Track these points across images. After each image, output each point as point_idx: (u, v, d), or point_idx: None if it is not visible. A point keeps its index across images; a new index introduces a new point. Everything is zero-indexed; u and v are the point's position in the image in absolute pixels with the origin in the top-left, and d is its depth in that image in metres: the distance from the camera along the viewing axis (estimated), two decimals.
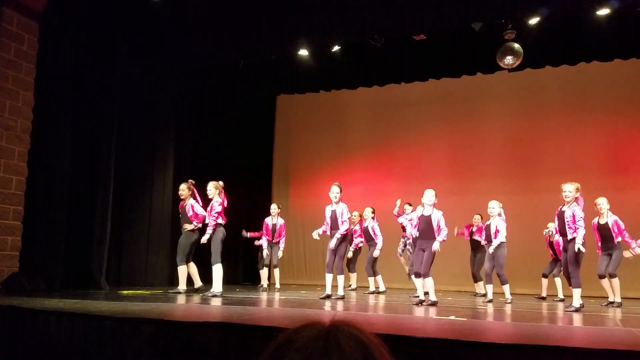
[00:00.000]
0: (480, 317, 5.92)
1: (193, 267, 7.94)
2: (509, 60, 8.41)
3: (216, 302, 6.67)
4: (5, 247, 7.73)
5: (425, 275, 6.68)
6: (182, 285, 7.83)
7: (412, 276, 7.28)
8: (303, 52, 8.86)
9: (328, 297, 7.28)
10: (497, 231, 7.68)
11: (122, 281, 8.97)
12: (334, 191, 7.40)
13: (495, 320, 5.63)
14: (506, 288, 7.71)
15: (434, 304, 6.62)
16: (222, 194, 7.85)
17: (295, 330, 0.83)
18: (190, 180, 8.26)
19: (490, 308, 6.87)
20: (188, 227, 7.91)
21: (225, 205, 7.82)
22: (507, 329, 4.68)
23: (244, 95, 11.54)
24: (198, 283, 7.99)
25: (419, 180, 10.89)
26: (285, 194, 12.48)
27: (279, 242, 9.33)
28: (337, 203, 7.42)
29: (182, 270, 7.87)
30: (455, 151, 11.19)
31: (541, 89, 10.57)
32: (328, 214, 7.49)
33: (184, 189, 8.12)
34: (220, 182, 7.95)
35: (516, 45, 8.31)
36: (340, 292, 7.42)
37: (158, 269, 9.57)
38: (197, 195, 8.17)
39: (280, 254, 9.35)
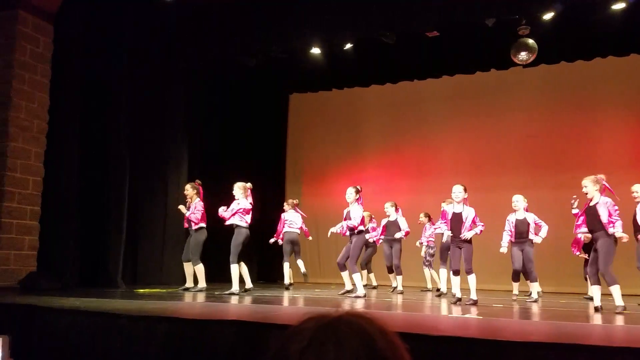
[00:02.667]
0: (502, 315, 5.87)
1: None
2: (523, 56, 8.33)
3: (230, 300, 6.70)
4: (23, 247, 7.83)
5: (469, 272, 6.60)
6: (202, 283, 7.95)
7: (451, 273, 7.06)
8: (315, 50, 8.85)
9: (348, 292, 7.29)
10: (538, 225, 7.51)
11: (138, 280, 9.04)
12: (347, 192, 7.47)
13: (525, 320, 5.58)
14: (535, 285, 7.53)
15: (475, 302, 6.46)
16: (249, 195, 7.89)
17: (301, 322, 0.85)
18: (197, 180, 8.30)
19: (524, 306, 6.76)
20: (184, 211, 8.06)
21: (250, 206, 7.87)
22: (541, 328, 4.64)
23: (256, 94, 11.55)
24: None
25: (432, 178, 10.85)
26: (298, 192, 12.48)
27: None
28: (351, 203, 7.44)
29: (197, 269, 7.93)
30: (469, 148, 11.11)
31: (556, 84, 10.45)
32: (344, 214, 7.56)
33: (188, 189, 8.19)
34: (249, 184, 7.98)
35: (530, 41, 8.23)
36: (361, 290, 7.35)
37: (174, 267, 9.62)
38: (201, 194, 8.23)
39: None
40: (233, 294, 7.36)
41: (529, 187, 9.66)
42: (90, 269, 8.23)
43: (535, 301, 7.23)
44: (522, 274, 7.72)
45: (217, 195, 8.69)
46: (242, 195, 7.79)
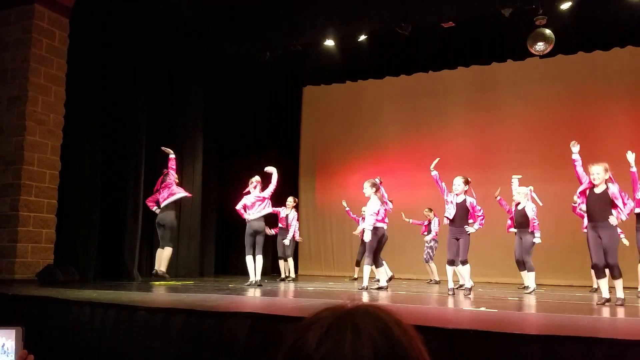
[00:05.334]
0: (511, 308, 5.84)
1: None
2: (540, 46, 8.23)
3: (245, 292, 6.73)
4: (40, 240, 7.92)
5: (465, 263, 6.71)
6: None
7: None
8: (329, 43, 8.82)
9: (365, 288, 7.31)
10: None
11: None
12: (363, 186, 7.49)
13: (529, 312, 5.54)
14: (532, 276, 7.54)
15: (470, 289, 6.65)
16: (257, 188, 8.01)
17: (316, 313, 0.86)
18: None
19: (525, 299, 6.75)
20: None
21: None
22: (540, 320, 4.61)
23: (270, 88, 11.55)
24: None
25: (448, 170, 10.75)
26: (312, 186, 12.48)
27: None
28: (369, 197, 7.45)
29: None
30: (485, 139, 11.01)
31: (573, 75, 10.31)
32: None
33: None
34: (257, 177, 8.14)
35: (547, 31, 8.12)
36: (383, 282, 7.45)
37: (189, 259, 9.70)
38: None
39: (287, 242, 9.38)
40: (251, 284, 7.66)
41: (548, 180, 9.58)
42: (107, 262, 8.30)
43: (530, 293, 7.23)
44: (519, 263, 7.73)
45: (231, 188, 8.73)
46: (252, 187, 8.02)
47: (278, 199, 9.32)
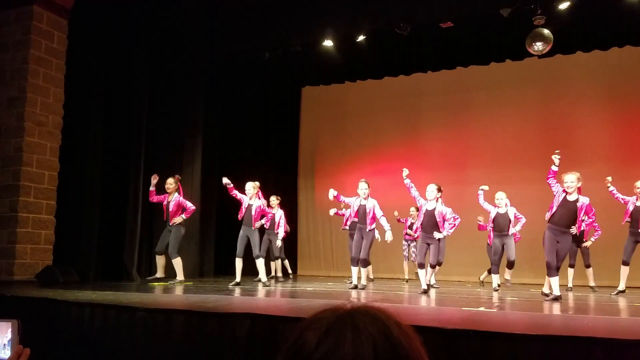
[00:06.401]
0: (510, 308, 5.85)
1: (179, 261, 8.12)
2: (538, 46, 8.23)
3: (245, 293, 6.74)
4: (39, 241, 7.92)
5: (434, 266, 7.31)
6: (180, 276, 8.05)
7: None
8: (328, 43, 8.82)
9: (355, 287, 7.33)
10: (518, 218, 7.59)
11: (153, 273, 9.09)
12: (362, 187, 7.41)
13: (524, 312, 5.55)
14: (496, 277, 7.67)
15: (426, 291, 6.82)
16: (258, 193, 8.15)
17: (316, 313, 0.87)
18: (177, 176, 8.30)
19: (525, 299, 6.77)
20: (177, 220, 8.08)
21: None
22: (536, 320, 4.61)
23: (269, 88, 11.56)
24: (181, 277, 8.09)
25: (447, 170, 10.79)
26: (311, 185, 12.49)
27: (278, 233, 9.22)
28: (366, 199, 7.41)
29: (175, 263, 8.07)
30: (484, 140, 11.02)
31: (572, 75, 10.32)
32: (355, 207, 7.49)
33: (171, 182, 8.18)
34: (257, 183, 8.19)
35: (546, 31, 8.12)
36: (364, 281, 7.53)
37: (188, 260, 9.68)
38: (181, 190, 8.31)
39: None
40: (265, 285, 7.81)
41: (542, 180, 9.57)
42: (106, 263, 8.31)
43: (497, 290, 7.36)
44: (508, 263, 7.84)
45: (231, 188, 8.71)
46: (254, 194, 8.10)
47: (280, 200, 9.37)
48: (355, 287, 7.31)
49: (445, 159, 11.19)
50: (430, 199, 7.05)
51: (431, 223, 7.04)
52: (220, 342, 3.99)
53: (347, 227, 9.23)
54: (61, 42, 8.33)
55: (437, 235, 7.01)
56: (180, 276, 8.02)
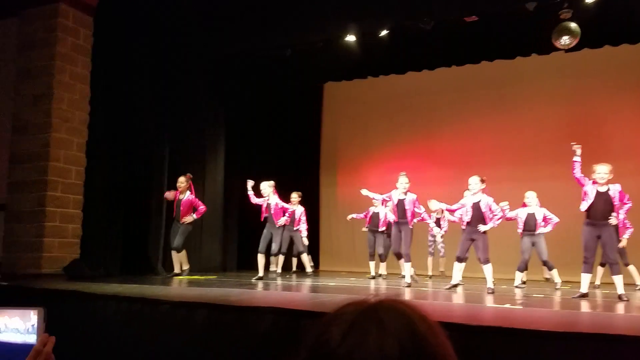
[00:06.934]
0: (536, 305, 5.77)
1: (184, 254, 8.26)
2: (565, 40, 8.08)
3: (267, 287, 6.77)
4: (67, 235, 8.06)
5: (486, 262, 6.71)
6: (177, 269, 8.17)
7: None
8: (350, 38, 8.78)
9: (409, 285, 7.28)
10: (547, 218, 7.55)
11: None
12: (403, 182, 7.38)
13: (550, 309, 5.47)
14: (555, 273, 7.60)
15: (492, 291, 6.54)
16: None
17: (340, 308, 0.85)
18: (188, 174, 8.33)
19: (548, 296, 6.67)
20: (188, 219, 8.14)
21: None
22: (562, 318, 4.55)
23: (291, 84, 11.55)
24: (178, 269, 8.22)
25: (470, 167, 10.65)
26: (333, 182, 12.47)
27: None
28: (405, 193, 7.37)
29: (180, 256, 8.18)
30: (509, 135, 10.86)
31: (600, 69, 10.10)
32: (395, 202, 7.44)
33: (182, 181, 8.20)
34: (272, 182, 8.23)
35: (573, 25, 7.97)
36: (408, 279, 7.41)
37: (212, 255, 9.77)
38: (192, 188, 8.34)
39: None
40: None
41: (569, 177, 9.40)
42: (131, 257, 8.42)
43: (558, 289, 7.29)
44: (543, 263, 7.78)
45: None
46: (271, 193, 8.15)
47: (301, 196, 9.38)
48: (409, 284, 7.26)
49: (471, 155, 11.06)
50: (475, 192, 6.79)
51: (477, 216, 6.75)
52: (242, 336, 4.02)
53: (368, 226, 9.43)
54: (87, 39, 8.44)
55: (481, 227, 6.68)
56: (177, 269, 8.16)
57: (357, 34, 8.66)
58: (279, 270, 9.28)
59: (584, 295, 5.92)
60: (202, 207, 8.28)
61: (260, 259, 7.97)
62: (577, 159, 6.11)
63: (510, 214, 7.58)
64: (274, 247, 8.09)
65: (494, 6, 7.48)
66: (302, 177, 11.91)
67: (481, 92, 11.03)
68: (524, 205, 7.63)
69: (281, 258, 9.32)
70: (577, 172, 6.11)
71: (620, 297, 5.76)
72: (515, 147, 10.70)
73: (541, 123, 10.58)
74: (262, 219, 8.15)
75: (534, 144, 10.54)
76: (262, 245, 8.01)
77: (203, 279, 7.82)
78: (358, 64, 10.21)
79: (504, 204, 7.63)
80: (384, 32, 8.67)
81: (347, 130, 12.44)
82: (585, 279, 5.98)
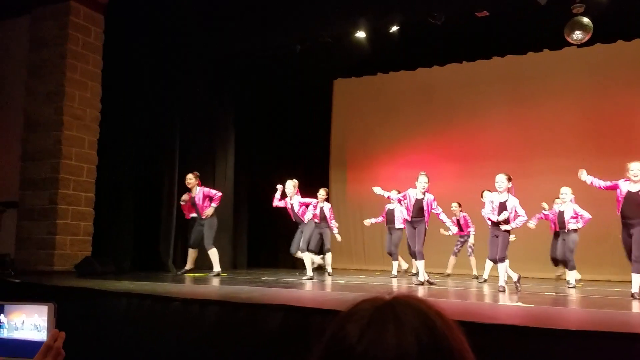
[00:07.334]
0: (548, 304, 5.73)
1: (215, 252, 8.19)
2: (577, 35, 8.00)
3: (278, 285, 6.77)
4: (79, 232, 8.11)
5: (502, 260, 6.53)
6: (217, 268, 8.07)
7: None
8: (360, 34, 8.74)
9: (429, 282, 7.28)
10: (578, 215, 7.55)
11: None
12: (422, 181, 7.33)
13: (566, 307, 5.43)
14: (573, 274, 7.50)
15: (504, 289, 6.41)
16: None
17: (356, 304, 0.85)
18: (195, 172, 8.23)
19: (562, 294, 6.62)
20: (209, 211, 8.02)
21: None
22: (579, 316, 4.50)
23: (301, 81, 11.54)
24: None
25: (480, 163, 10.61)
26: (343, 178, 12.44)
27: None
28: (423, 193, 7.35)
29: (214, 254, 8.11)
30: (519, 131, 10.78)
31: (613, 64, 9.99)
32: (412, 200, 7.35)
33: (191, 178, 8.11)
34: (295, 181, 8.15)
35: (585, 19, 7.89)
36: (421, 277, 7.38)
37: (222, 251, 9.77)
38: (200, 183, 8.28)
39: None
40: (310, 278, 7.68)
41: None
42: (143, 254, 8.45)
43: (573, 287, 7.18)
44: (561, 261, 7.88)
45: (263, 180, 8.77)
46: (294, 192, 8.08)
47: (308, 191, 9.32)
48: (422, 282, 7.24)
49: (481, 151, 10.99)
50: (501, 190, 6.53)
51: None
52: (253, 333, 4.01)
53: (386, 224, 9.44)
54: (98, 37, 8.47)
55: (503, 226, 6.44)
56: (216, 267, 8.05)
57: (367, 30, 8.62)
58: (330, 269, 9.25)
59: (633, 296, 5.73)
60: (217, 195, 8.10)
61: (306, 257, 7.90)
62: (588, 179, 6.10)
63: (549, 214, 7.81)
64: (302, 244, 7.92)
65: (505, 1, 7.41)
66: (312, 173, 11.88)
67: (492, 88, 10.95)
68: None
69: (329, 256, 9.30)
70: (602, 184, 6.07)
71: (632, 296, 5.69)
72: (528, 142, 10.61)
73: (552, 119, 10.49)
74: (294, 220, 8.12)
75: (546, 139, 10.45)
76: (294, 247, 8.07)
77: (214, 276, 7.83)
78: (368, 60, 10.18)
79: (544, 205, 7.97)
80: (394, 28, 8.63)
81: (356, 127, 12.40)
82: (635, 278, 5.77)
